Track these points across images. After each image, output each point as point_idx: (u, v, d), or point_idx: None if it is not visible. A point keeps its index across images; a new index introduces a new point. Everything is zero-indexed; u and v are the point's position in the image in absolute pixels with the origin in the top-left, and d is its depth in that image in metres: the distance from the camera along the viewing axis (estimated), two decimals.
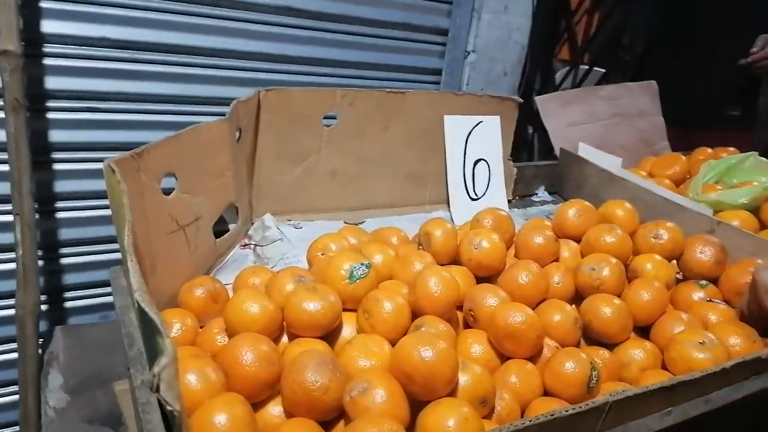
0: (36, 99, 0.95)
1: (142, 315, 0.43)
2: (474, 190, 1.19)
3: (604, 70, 1.65)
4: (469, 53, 1.35)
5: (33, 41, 0.93)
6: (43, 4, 0.94)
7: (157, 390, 0.34)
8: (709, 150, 1.35)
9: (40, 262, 1.03)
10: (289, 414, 0.56)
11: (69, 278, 1.07)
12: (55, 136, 0.99)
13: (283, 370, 0.56)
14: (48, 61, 0.95)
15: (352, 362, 0.59)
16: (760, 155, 1.09)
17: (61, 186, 1.02)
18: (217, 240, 0.84)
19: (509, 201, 1.30)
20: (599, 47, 1.81)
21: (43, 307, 1.07)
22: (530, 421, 0.50)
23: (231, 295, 0.75)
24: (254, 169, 0.99)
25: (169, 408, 0.34)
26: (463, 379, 0.57)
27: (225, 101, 0.83)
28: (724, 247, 0.85)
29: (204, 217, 0.78)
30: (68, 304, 1.09)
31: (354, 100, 1.03)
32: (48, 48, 0.95)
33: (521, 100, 1.21)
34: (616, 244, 0.81)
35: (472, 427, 0.50)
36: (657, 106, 1.52)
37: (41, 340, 0.95)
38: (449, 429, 0.50)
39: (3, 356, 1.04)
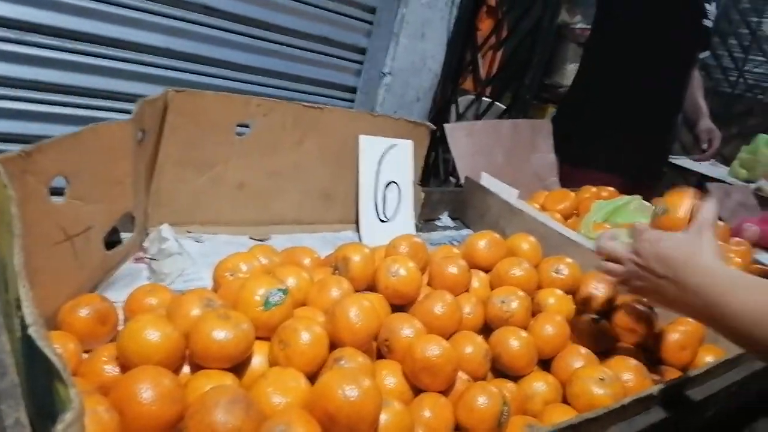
0: None
1: (34, 352, 0.36)
2: (384, 213, 1.18)
3: (504, 106, 1.74)
4: (385, 75, 1.36)
5: None
6: None
7: None
8: (594, 189, 1.46)
9: None
10: None
11: None
12: None
13: (189, 408, 0.51)
14: None
15: (267, 399, 0.55)
16: (644, 199, 1.19)
17: None
18: (109, 252, 0.75)
19: (416, 225, 1.31)
20: (502, 83, 1.91)
21: None
22: None
23: (122, 316, 0.67)
24: (153, 175, 0.90)
25: None
26: (383, 417, 0.55)
27: (128, 97, 0.74)
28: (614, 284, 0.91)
29: (96, 228, 0.69)
30: None
31: (269, 110, 0.98)
32: None
33: (434, 127, 1.23)
34: (524, 278, 0.84)
35: None
36: (549, 144, 1.62)
37: None
38: None
39: None
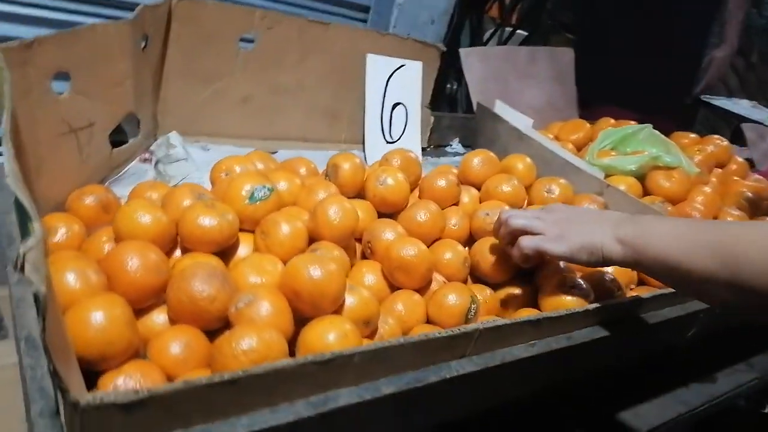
0: None
1: (16, 203, 0.41)
2: (390, 133, 1.20)
3: (526, 33, 1.70)
4: None
5: None
6: None
7: (22, 270, 0.33)
8: (612, 120, 1.44)
9: None
10: (173, 322, 0.56)
11: None
12: None
13: (171, 278, 0.56)
14: None
15: (243, 278, 0.60)
16: (654, 128, 1.17)
17: None
18: (114, 150, 0.80)
19: (424, 149, 1.33)
20: (527, 9, 1.85)
21: None
22: (405, 339, 0.53)
23: None
24: (161, 83, 0.94)
25: (33, 289, 0.33)
26: (349, 300, 0.59)
27: (128, 5, 0.77)
28: (608, 206, 0.92)
29: (98, 124, 0.74)
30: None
31: (273, 23, 0.99)
32: None
33: (444, 48, 1.22)
34: (511, 194, 0.86)
35: (350, 342, 0.53)
36: (570, 74, 1.59)
37: None
38: (329, 342, 0.53)
39: None
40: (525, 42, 1.69)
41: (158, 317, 0.57)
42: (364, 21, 1.35)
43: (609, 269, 0.80)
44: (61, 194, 0.70)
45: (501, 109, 1.39)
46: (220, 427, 0.46)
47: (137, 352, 0.51)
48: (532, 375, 0.68)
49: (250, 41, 0.99)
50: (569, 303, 0.71)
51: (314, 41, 1.05)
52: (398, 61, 1.18)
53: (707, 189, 1.09)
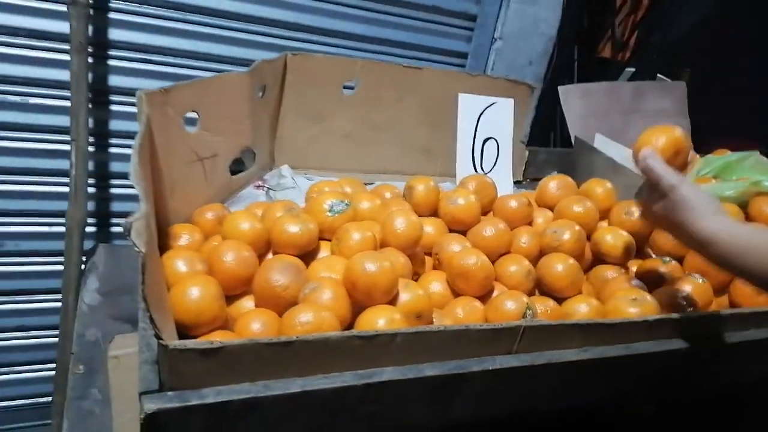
0: (99, 47, 1.12)
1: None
2: (482, 167, 1.27)
3: (633, 69, 1.68)
4: (495, 40, 1.43)
5: None
6: None
7: (128, 234, 0.46)
8: (728, 151, 1.36)
9: (93, 189, 1.21)
10: (258, 306, 0.68)
11: (116, 205, 1.25)
12: (114, 80, 1.16)
13: (257, 271, 0.68)
14: (112, 15, 1.12)
15: (316, 273, 0.70)
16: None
17: (115, 125, 1.19)
18: (233, 177, 0.97)
19: (519, 182, 1.37)
20: (636, 46, 1.83)
21: (92, 229, 1.25)
22: (445, 327, 0.60)
23: None
24: (278, 124, 1.11)
25: (136, 249, 0.46)
26: (404, 295, 0.67)
27: (246, 62, 0.96)
28: None
29: (221, 155, 0.91)
30: (113, 229, 1.27)
31: (371, 71, 1.13)
32: (113, 3, 1.12)
33: (535, 86, 1.28)
34: (583, 214, 0.88)
35: (397, 326, 0.61)
36: (682, 107, 1.54)
37: (84, 257, 1.12)
38: (378, 325, 0.61)
39: (51, 267, 1.23)
40: (633, 78, 1.66)
41: (247, 303, 0.69)
42: (463, 66, 1.46)
43: (686, 287, 0.78)
44: (190, 210, 0.87)
45: (600, 142, 1.40)
46: (278, 383, 0.56)
47: (225, 326, 0.63)
48: (584, 383, 0.69)
49: (352, 88, 1.14)
50: (630, 314, 0.71)
51: (409, 84, 1.18)
52: (489, 99, 1.25)
53: None
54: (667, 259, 0.88)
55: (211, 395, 0.53)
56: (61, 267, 1.11)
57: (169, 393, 0.52)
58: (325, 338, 0.55)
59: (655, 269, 0.86)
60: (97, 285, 1.03)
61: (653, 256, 0.94)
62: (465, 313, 0.73)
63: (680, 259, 0.89)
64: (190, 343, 0.51)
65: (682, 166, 0.75)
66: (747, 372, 0.79)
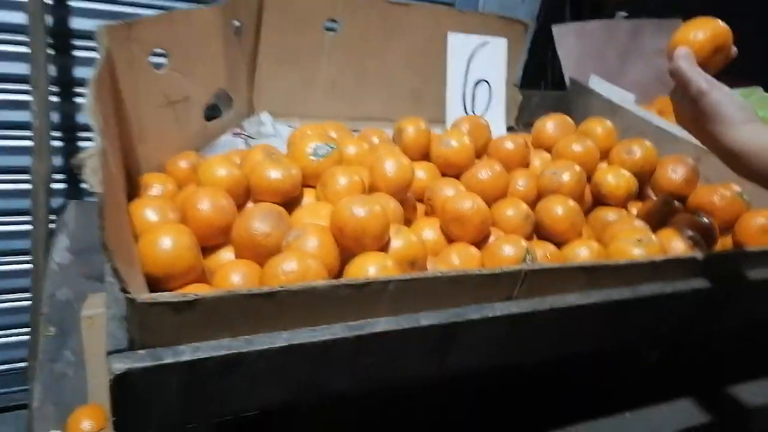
0: None
1: None
2: (473, 110, 1.21)
3: (626, 14, 1.60)
4: None
5: None
6: None
7: (80, 172, 0.41)
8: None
9: (60, 143, 1.13)
10: (238, 257, 0.63)
11: None
12: (77, 23, 1.07)
13: (236, 219, 0.63)
14: None
15: (300, 220, 0.65)
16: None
17: (81, 72, 1.11)
18: (208, 123, 0.90)
19: (512, 127, 1.31)
20: None
21: (59, 185, 1.18)
22: (441, 273, 0.55)
23: None
24: (255, 68, 1.04)
25: (91, 189, 0.41)
26: (396, 242, 0.62)
27: None
28: (696, 167, 0.85)
29: (193, 98, 0.84)
30: (84, 185, 1.20)
31: (355, 8, 1.05)
32: None
33: (529, 23, 1.21)
34: (582, 153, 0.83)
35: (389, 273, 0.56)
36: None
37: (55, 216, 1.06)
38: (368, 273, 0.56)
39: (19, 227, 1.16)
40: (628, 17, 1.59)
41: (226, 254, 0.64)
42: (452, 5, 1.37)
43: (690, 228, 0.74)
44: (161, 158, 0.80)
45: (596, 83, 1.34)
46: (262, 337, 0.51)
47: (200, 277, 0.58)
48: (589, 328, 0.65)
49: (334, 30, 1.06)
50: (635, 255, 0.67)
51: (396, 23, 1.10)
52: (481, 39, 1.18)
53: None
54: (670, 199, 0.84)
55: (187, 352, 0.48)
56: (29, 227, 1.04)
57: (140, 351, 0.47)
58: (312, 287, 0.50)
59: (658, 210, 0.82)
60: (68, 243, 0.97)
61: (654, 197, 0.89)
62: (461, 260, 0.69)
63: (683, 199, 0.85)
64: (161, 296, 0.46)
65: (722, 64, 0.67)
66: (755, 312, 0.76)
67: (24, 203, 1.07)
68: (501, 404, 0.71)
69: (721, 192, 0.81)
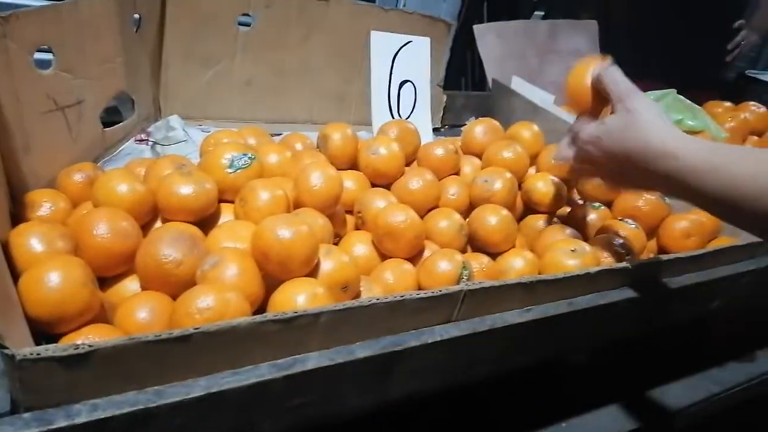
0: None
1: None
2: (398, 112, 1.17)
3: (542, 13, 1.63)
4: None
5: None
6: None
7: None
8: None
9: None
10: (145, 289, 0.55)
11: None
12: None
13: (141, 244, 0.55)
14: None
15: (217, 243, 0.58)
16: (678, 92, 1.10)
17: None
18: (107, 130, 0.80)
19: (438, 129, 1.29)
20: None
21: None
22: (378, 299, 0.50)
23: None
24: (161, 66, 0.94)
25: None
26: (326, 264, 0.57)
27: None
28: None
29: (88, 102, 0.74)
30: None
31: (271, 2, 0.98)
32: None
33: (453, 23, 1.18)
34: (514, 160, 0.82)
35: (320, 302, 0.50)
36: (594, 47, 1.52)
37: None
38: (297, 303, 0.50)
39: None
40: (545, 17, 1.62)
41: (131, 284, 0.56)
42: (372, 1, 1.33)
43: (621, 233, 0.75)
44: (52, 172, 0.70)
45: (518, 84, 1.34)
46: (176, 388, 0.44)
47: (100, 317, 0.50)
48: (528, 344, 0.63)
49: (248, 18, 0.98)
50: (570, 267, 0.66)
51: (316, 19, 1.04)
52: (404, 38, 1.14)
53: None
54: (597, 204, 0.84)
55: (83, 412, 0.40)
56: None
57: (26, 415, 0.39)
58: (233, 327, 0.44)
59: (586, 215, 0.82)
60: None
61: (580, 201, 0.90)
62: (395, 278, 0.65)
63: (608, 204, 0.86)
64: (45, 350, 0.38)
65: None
66: (680, 315, 0.78)
67: None
68: (446, 427, 0.68)
69: (645, 196, 0.82)
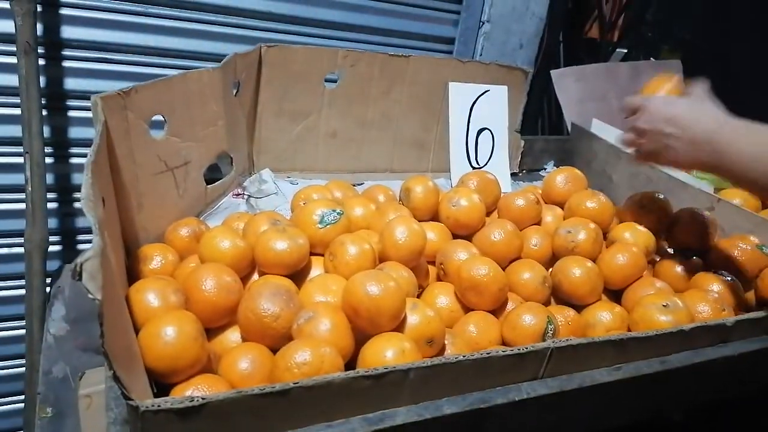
0: (51, 47, 1.01)
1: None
2: (476, 159, 1.19)
3: (626, 50, 1.60)
4: (483, 23, 1.34)
5: None
6: None
7: (79, 278, 0.37)
8: None
9: (54, 204, 1.10)
10: (245, 340, 0.59)
11: (81, 221, 1.14)
12: (70, 83, 1.05)
13: (242, 298, 0.59)
14: (64, 11, 1.00)
15: (310, 297, 0.61)
16: None
17: (75, 132, 1.08)
18: (209, 187, 0.87)
19: (516, 174, 1.29)
20: (626, 25, 1.75)
21: (56, 248, 1.14)
22: (465, 356, 0.51)
23: None
24: (255, 124, 1.01)
25: (90, 296, 0.37)
26: (412, 318, 0.59)
27: (219, 58, 0.85)
28: (713, 220, 0.83)
29: (193, 163, 0.82)
30: (80, 246, 1.16)
31: (356, 61, 1.04)
32: None
33: (530, 70, 1.20)
34: (597, 210, 0.81)
35: (409, 360, 0.52)
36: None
37: (50, 279, 1.01)
38: (386, 359, 0.52)
39: (14, 291, 1.12)
40: (626, 59, 1.59)
41: (233, 335, 0.60)
42: (450, 53, 1.37)
43: (714, 287, 0.71)
44: (161, 227, 0.77)
45: (598, 127, 1.32)
46: None
47: (207, 367, 0.54)
48: (618, 403, 0.62)
49: (335, 81, 1.04)
50: (663, 323, 0.64)
51: (396, 74, 1.08)
52: (481, 87, 1.17)
53: None
54: (689, 254, 0.81)
55: None
56: (24, 291, 1.00)
57: None
58: (328, 382, 0.46)
59: (677, 267, 0.80)
60: (64, 312, 0.93)
61: (670, 250, 0.87)
62: (479, 331, 0.65)
63: (701, 255, 0.83)
64: (164, 402, 0.42)
65: None
66: None
67: (19, 267, 1.03)
68: None
69: (741, 246, 0.78)
